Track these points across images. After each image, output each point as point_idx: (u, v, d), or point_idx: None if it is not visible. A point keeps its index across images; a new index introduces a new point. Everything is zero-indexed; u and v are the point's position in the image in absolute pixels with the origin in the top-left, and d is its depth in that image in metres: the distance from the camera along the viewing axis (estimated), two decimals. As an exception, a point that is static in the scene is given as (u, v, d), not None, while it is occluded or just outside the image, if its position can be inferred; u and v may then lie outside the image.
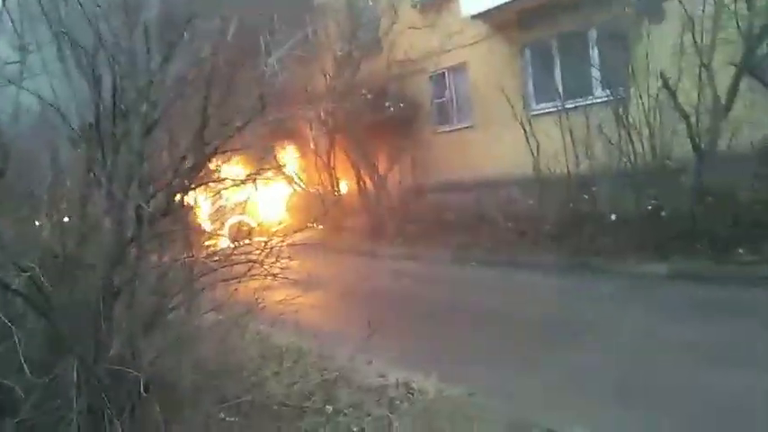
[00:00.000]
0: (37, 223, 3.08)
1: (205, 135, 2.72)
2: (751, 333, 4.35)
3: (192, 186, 3.05)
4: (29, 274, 2.21)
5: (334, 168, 12.58)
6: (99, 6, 2.50)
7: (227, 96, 2.75)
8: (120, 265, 2.87)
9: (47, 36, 2.97)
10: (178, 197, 3.08)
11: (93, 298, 2.81)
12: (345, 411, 3.47)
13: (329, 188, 12.68)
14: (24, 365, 1.99)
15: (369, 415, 3.42)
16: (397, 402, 3.58)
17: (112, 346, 2.78)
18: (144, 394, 2.68)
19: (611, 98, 7.53)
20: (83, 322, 2.77)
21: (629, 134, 7.32)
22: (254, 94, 2.81)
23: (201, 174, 3.03)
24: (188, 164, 2.83)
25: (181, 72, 2.76)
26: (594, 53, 8.84)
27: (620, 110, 7.40)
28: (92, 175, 2.91)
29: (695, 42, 6.65)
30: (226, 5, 2.94)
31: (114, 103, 2.76)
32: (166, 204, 3.01)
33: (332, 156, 12.41)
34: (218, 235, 3.97)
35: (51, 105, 2.74)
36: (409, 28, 11.17)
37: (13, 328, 1.98)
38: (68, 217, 3.08)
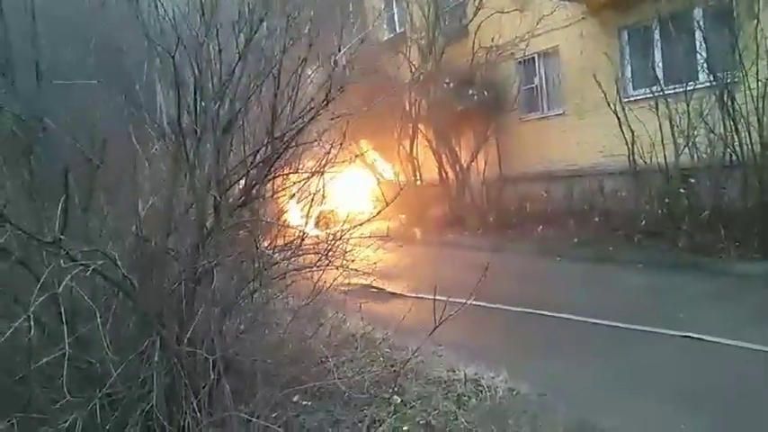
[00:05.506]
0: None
1: (276, 129, 2.80)
2: None
3: (267, 178, 3.18)
4: (115, 260, 2.40)
5: (416, 158, 12.57)
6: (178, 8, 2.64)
7: (296, 91, 2.82)
8: (201, 253, 3.06)
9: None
10: (255, 189, 3.23)
11: (176, 283, 3.02)
12: (413, 403, 3.48)
13: (411, 178, 12.68)
14: (106, 345, 2.16)
15: (436, 409, 3.41)
16: (465, 398, 3.55)
17: (191, 329, 2.98)
18: (218, 375, 2.85)
19: (716, 83, 6.90)
20: (166, 306, 2.98)
21: (734, 122, 6.70)
22: (324, 87, 2.86)
23: (275, 166, 3.15)
24: (261, 157, 2.95)
25: (254, 69, 2.86)
26: (698, 34, 8.11)
27: (726, 96, 6.78)
28: (177, 168, 3.11)
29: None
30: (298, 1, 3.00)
31: (195, 101, 2.93)
32: (243, 196, 3.16)
33: (414, 145, 12.40)
34: (300, 226, 4.07)
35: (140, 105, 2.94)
36: (496, 12, 10.85)
37: (95, 308, 2.16)
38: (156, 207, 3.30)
